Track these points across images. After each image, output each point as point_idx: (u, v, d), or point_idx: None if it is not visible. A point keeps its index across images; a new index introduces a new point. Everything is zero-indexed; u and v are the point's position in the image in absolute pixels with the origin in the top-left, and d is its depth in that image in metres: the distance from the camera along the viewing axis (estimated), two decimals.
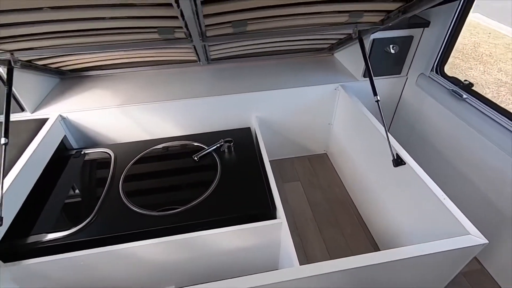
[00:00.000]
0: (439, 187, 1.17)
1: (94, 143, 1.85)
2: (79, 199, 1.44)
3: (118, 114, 1.73)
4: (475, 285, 1.46)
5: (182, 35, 1.29)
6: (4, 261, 1.15)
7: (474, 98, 1.51)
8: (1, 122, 1.24)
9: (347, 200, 1.92)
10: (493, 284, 1.46)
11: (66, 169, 1.56)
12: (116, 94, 1.81)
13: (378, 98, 1.38)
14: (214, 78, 1.94)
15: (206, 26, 1.23)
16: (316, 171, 2.14)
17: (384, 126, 1.37)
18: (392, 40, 1.71)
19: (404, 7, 1.28)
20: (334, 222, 1.79)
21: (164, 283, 1.40)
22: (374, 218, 1.68)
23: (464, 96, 1.54)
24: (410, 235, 1.36)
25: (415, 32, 1.72)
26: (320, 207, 1.88)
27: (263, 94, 1.81)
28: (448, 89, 1.64)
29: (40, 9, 0.93)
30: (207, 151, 1.60)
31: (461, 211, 1.07)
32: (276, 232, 1.28)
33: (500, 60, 4.34)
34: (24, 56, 1.36)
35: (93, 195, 1.42)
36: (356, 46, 1.81)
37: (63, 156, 1.63)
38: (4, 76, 1.45)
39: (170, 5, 0.98)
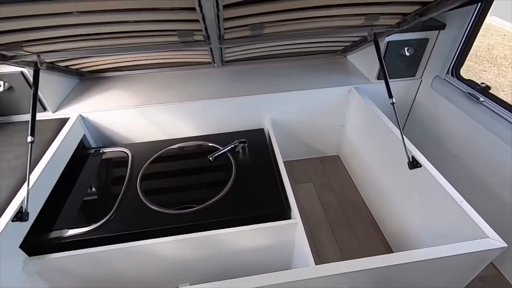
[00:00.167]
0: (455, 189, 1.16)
1: (112, 143, 1.90)
2: (98, 196, 1.48)
3: (136, 114, 1.78)
4: None
5: (201, 38, 1.32)
6: (30, 255, 1.20)
7: (491, 101, 1.50)
8: (27, 121, 1.29)
9: (360, 202, 1.92)
10: None
11: (85, 168, 1.61)
12: (134, 94, 1.85)
13: (394, 100, 1.38)
14: (228, 80, 1.97)
15: (225, 29, 1.25)
16: (328, 172, 2.15)
17: (399, 128, 1.37)
18: (407, 43, 1.71)
19: (421, 10, 1.28)
20: (347, 223, 1.79)
21: (180, 280, 1.43)
22: (388, 221, 1.68)
23: (481, 99, 1.53)
24: (425, 238, 1.36)
25: (430, 34, 1.71)
26: (332, 208, 1.88)
27: (276, 96, 1.83)
28: (464, 91, 1.62)
29: (69, 13, 0.97)
30: (222, 151, 1.63)
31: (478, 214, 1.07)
32: (290, 233, 1.30)
33: None
34: (48, 58, 1.40)
35: (112, 193, 1.46)
36: (370, 48, 1.81)
37: (82, 154, 1.68)
38: (29, 77, 1.51)
39: (193, 9, 1.01)
